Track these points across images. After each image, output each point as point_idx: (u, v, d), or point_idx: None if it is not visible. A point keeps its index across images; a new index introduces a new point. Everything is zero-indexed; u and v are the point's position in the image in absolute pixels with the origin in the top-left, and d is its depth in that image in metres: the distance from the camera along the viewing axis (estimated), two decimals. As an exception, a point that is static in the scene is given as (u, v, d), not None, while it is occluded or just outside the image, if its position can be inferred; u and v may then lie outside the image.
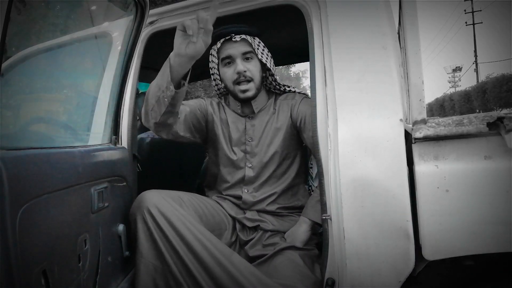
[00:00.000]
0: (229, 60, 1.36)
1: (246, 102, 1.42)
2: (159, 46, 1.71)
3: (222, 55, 1.37)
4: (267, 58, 1.40)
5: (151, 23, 1.44)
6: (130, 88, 1.38)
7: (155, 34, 1.45)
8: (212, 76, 1.46)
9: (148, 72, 2.19)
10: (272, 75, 1.46)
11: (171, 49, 1.91)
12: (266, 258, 1.26)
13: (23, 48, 1.33)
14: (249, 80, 1.36)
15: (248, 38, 1.35)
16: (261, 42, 1.41)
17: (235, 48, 1.34)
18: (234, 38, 1.33)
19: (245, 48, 1.35)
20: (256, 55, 1.37)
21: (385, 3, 1.12)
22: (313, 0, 1.20)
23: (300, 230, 1.34)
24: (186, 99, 1.41)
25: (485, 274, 1.11)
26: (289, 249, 1.27)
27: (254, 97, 1.39)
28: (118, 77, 1.26)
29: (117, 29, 1.35)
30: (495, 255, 0.98)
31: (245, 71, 1.34)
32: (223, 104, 1.50)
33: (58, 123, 1.31)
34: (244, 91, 1.36)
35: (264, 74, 1.44)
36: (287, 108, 1.43)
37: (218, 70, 1.41)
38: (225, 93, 1.50)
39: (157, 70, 2.47)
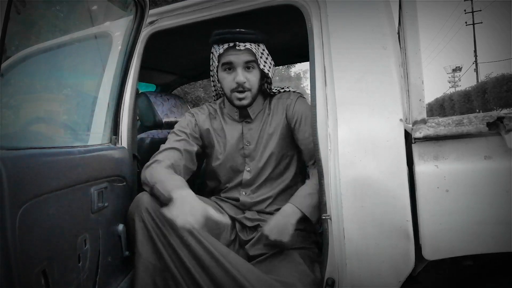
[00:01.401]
0: (229, 66, 1.33)
1: (242, 108, 1.39)
2: (159, 46, 1.71)
3: (223, 60, 1.32)
4: (269, 68, 1.37)
5: (151, 23, 1.44)
6: (130, 88, 1.38)
7: (155, 34, 1.45)
8: (211, 75, 1.45)
9: (148, 72, 2.19)
10: (270, 83, 1.43)
11: (171, 49, 1.91)
12: (266, 257, 1.26)
13: (23, 48, 1.33)
14: (247, 90, 1.33)
15: (253, 47, 1.30)
16: (265, 49, 1.37)
17: (238, 57, 1.30)
18: (238, 46, 1.28)
19: (247, 57, 1.30)
20: (258, 65, 1.33)
21: (385, 3, 1.13)
22: (313, 0, 1.20)
23: (286, 222, 1.22)
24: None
25: (485, 274, 1.11)
26: (290, 248, 1.27)
27: (249, 105, 1.37)
28: (118, 77, 1.26)
29: (117, 29, 1.35)
30: (495, 255, 0.98)
31: (244, 82, 1.31)
32: (218, 109, 1.47)
33: (58, 123, 1.31)
34: (240, 99, 1.33)
35: (262, 81, 1.41)
36: (282, 108, 1.41)
37: (217, 72, 1.39)
38: (223, 94, 1.49)
39: (157, 70, 2.46)
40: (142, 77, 1.52)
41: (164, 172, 1.23)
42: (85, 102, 1.34)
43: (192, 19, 1.39)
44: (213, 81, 1.46)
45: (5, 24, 0.70)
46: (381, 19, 1.11)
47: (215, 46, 1.35)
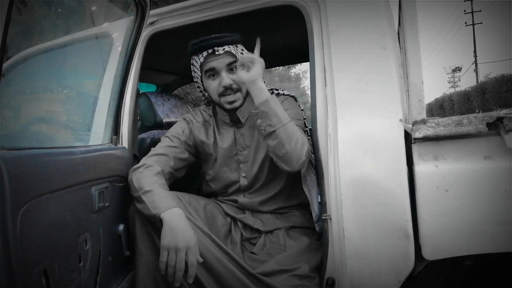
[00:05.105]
0: (213, 73, 1.32)
1: (232, 112, 1.38)
2: (159, 47, 1.72)
3: (206, 68, 1.32)
4: None
5: (152, 23, 1.44)
6: (130, 88, 1.38)
7: (156, 34, 1.45)
8: (197, 86, 1.43)
9: (148, 72, 2.19)
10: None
11: (172, 49, 1.91)
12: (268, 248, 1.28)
13: (24, 48, 1.34)
14: (236, 91, 1.32)
15: (232, 48, 1.29)
16: (244, 49, 1.36)
17: (219, 61, 1.28)
18: (217, 51, 1.28)
19: (229, 59, 1.29)
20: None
21: (385, 3, 1.13)
22: (313, 0, 1.21)
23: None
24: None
25: (485, 274, 1.11)
26: (295, 240, 1.29)
27: (241, 106, 1.35)
28: (119, 78, 1.26)
29: (118, 30, 1.36)
30: (495, 255, 0.99)
31: (231, 84, 1.30)
32: (211, 114, 1.46)
33: (59, 123, 1.31)
34: (231, 102, 1.32)
35: None
36: None
37: (202, 81, 1.38)
38: (212, 101, 1.48)
39: (158, 71, 2.46)
40: (142, 77, 1.53)
41: (154, 180, 1.18)
42: (86, 102, 1.34)
43: (192, 20, 1.40)
44: (200, 91, 1.45)
45: (7, 25, 0.71)
46: (381, 20, 1.11)
47: (194, 56, 1.34)
